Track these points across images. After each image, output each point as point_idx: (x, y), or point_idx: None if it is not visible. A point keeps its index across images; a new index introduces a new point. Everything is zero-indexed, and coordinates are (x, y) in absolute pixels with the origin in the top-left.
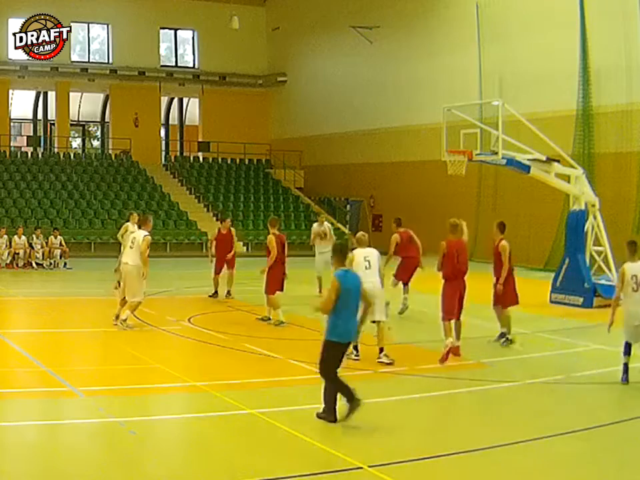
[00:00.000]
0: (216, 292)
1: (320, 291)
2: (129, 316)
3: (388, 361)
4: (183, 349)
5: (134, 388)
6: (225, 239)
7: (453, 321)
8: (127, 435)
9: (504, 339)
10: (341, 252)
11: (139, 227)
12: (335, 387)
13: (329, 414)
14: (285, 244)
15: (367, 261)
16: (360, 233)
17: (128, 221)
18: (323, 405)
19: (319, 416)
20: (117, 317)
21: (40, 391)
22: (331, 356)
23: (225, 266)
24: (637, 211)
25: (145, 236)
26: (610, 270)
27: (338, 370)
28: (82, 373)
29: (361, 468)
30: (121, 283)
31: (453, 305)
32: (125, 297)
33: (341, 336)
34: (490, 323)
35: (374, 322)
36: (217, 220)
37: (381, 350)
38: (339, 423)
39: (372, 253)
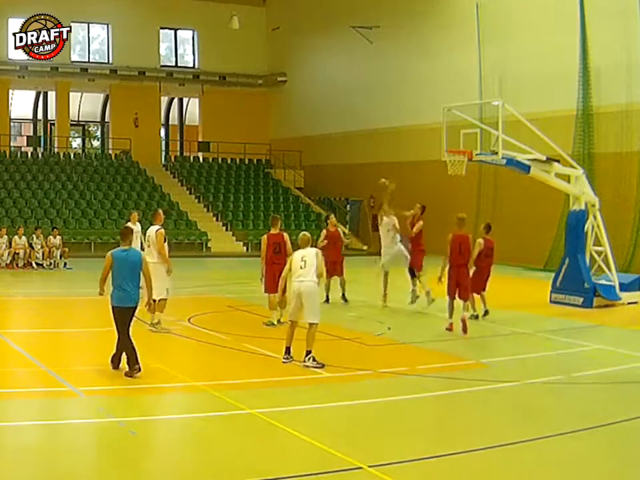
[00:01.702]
0: (327, 298)
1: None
2: (162, 318)
3: (317, 365)
4: (183, 349)
5: (134, 388)
6: (334, 237)
7: (458, 300)
8: (127, 434)
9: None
10: (122, 234)
11: (150, 223)
12: (124, 344)
13: (132, 367)
14: (283, 243)
15: (303, 261)
16: (301, 234)
17: (128, 221)
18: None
19: (127, 374)
20: (151, 323)
21: (40, 391)
22: (115, 318)
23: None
24: (637, 211)
25: (157, 230)
26: (610, 270)
27: (129, 330)
28: (82, 372)
29: (361, 468)
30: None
31: (452, 287)
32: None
33: (117, 301)
34: (486, 322)
35: (311, 324)
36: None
37: (308, 353)
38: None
39: (309, 253)
